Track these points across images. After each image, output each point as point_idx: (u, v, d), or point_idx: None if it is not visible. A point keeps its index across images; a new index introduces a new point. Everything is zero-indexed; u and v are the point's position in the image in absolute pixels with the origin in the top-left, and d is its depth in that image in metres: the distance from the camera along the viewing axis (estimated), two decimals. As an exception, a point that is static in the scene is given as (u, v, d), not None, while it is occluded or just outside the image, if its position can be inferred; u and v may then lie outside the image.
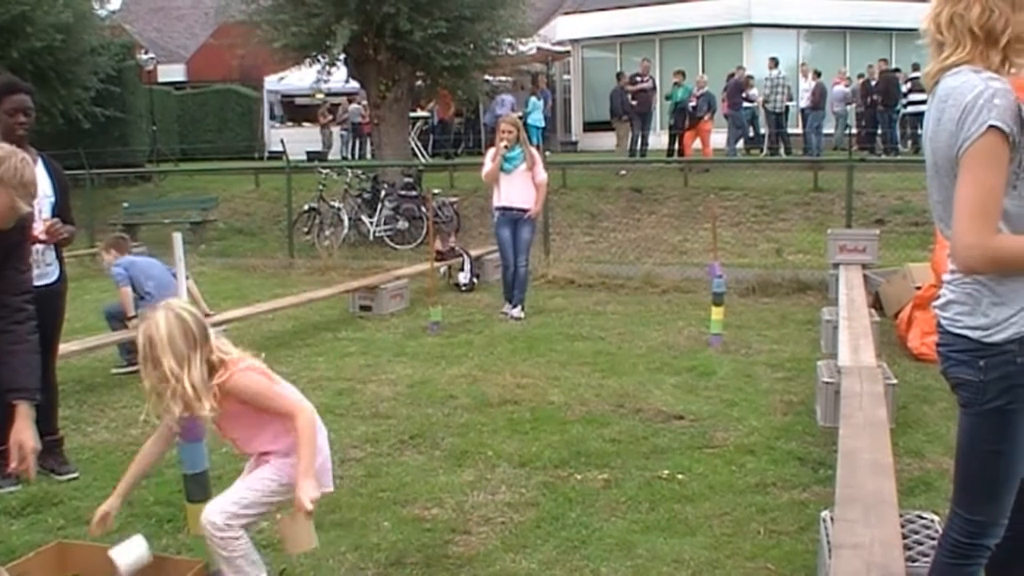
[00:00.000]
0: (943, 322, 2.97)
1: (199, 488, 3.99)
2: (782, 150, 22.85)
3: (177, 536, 4.85)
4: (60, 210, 5.73)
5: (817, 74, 23.22)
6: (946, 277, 2.98)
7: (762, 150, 23.56)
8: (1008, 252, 2.73)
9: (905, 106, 22.83)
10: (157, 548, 4.59)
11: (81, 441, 6.57)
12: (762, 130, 23.81)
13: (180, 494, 4.35)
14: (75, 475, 5.84)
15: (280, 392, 3.83)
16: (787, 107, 22.72)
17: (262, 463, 3.86)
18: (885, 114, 23.05)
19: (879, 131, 23.17)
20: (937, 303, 3.02)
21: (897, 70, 23.52)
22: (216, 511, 3.73)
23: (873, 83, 23.37)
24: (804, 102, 22.85)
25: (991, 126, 2.65)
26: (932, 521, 4.32)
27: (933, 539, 4.14)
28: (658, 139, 24.31)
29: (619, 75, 23.34)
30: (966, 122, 2.69)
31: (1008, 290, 2.80)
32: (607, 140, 24.54)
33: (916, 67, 23.17)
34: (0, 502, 5.46)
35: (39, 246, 5.55)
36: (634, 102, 21.86)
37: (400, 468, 5.86)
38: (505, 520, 5.00)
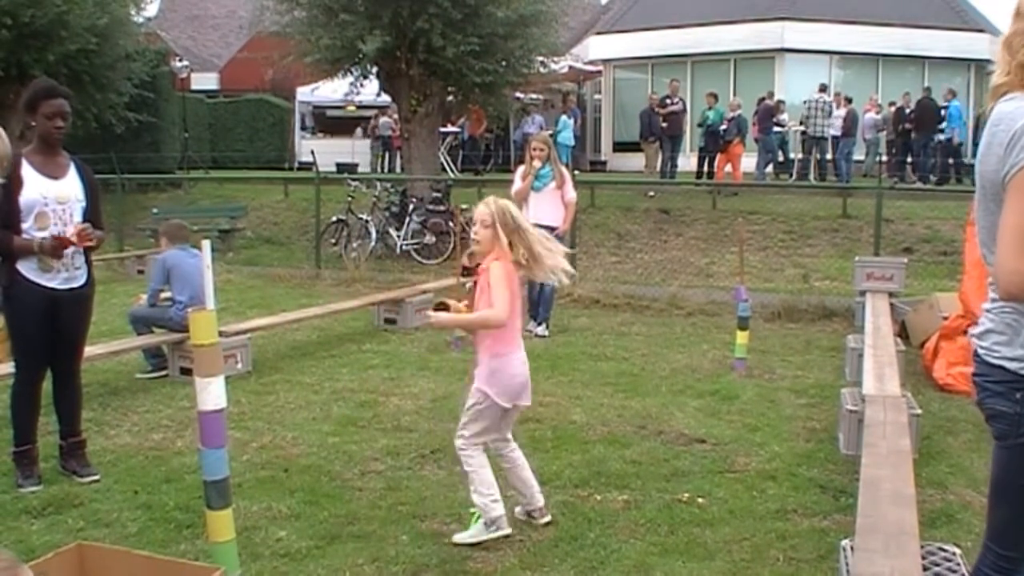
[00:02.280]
0: (980, 351, 2.89)
1: (219, 495, 4.00)
2: (812, 175, 22.80)
3: (196, 542, 4.86)
4: (91, 214, 5.78)
5: (848, 100, 23.18)
6: (986, 305, 2.91)
7: (791, 175, 23.49)
8: None
9: (935, 134, 22.78)
10: (176, 554, 4.64)
11: (103, 444, 6.61)
12: (791, 155, 23.75)
13: (200, 500, 4.37)
14: (96, 477, 5.87)
15: (511, 290, 4.85)
16: (825, 133, 22.67)
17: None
18: (920, 142, 22.99)
19: (909, 159, 23.11)
20: (975, 331, 2.94)
21: (931, 98, 23.40)
22: (457, 437, 5.03)
23: (907, 111, 23.29)
24: (835, 129, 22.80)
25: None
26: (953, 554, 4.28)
27: (954, 572, 4.12)
28: (687, 161, 24.30)
29: (650, 97, 23.31)
30: (1015, 148, 2.64)
31: None
32: (637, 161, 24.53)
33: (953, 93, 23.16)
34: (21, 502, 5.49)
35: (69, 249, 5.60)
36: (664, 124, 21.84)
37: (420, 482, 5.86)
38: (523, 538, 4.99)
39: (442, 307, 4.91)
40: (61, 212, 5.59)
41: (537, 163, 10.34)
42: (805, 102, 22.84)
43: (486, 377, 4.87)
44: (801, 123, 22.80)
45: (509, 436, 5.19)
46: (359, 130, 31.19)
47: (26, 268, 5.54)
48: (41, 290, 5.58)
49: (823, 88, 22.94)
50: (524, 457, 5.23)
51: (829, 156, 23.18)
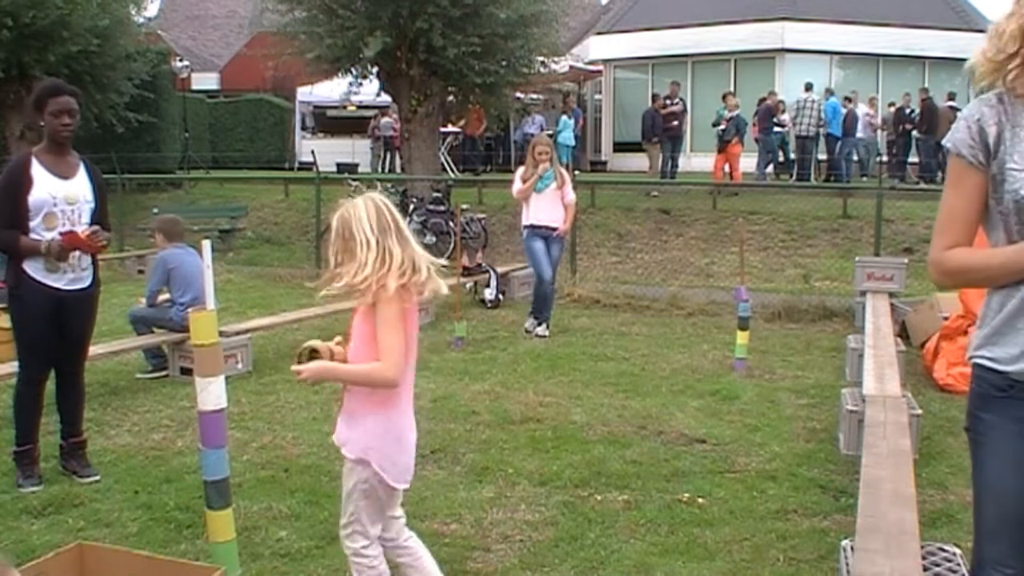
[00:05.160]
0: None
1: (219, 495, 4.00)
2: (811, 175, 22.79)
3: (196, 542, 4.87)
4: (99, 216, 5.78)
5: (848, 100, 23.17)
6: None
7: (792, 175, 23.47)
8: (955, 264, 2.70)
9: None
10: (176, 554, 4.63)
11: (103, 444, 6.61)
12: (792, 155, 23.73)
13: (200, 500, 4.37)
14: (96, 478, 5.88)
15: (398, 337, 3.53)
16: (817, 132, 22.65)
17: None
18: (926, 143, 22.99)
19: (913, 160, 23.11)
20: None
21: (931, 98, 23.37)
22: (345, 536, 3.76)
23: (907, 111, 23.26)
24: (834, 128, 22.78)
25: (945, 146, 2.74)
26: (954, 554, 4.29)
27: (954, 572, 4.12)
28: (688, 161, 24.27)
29: (654, 97, 23.24)
30: None
31: (983, 312, 2.77)
32: (636, 161, 24.49)
33: (951, 96, 23.13)
34: (22, 501, 5.50)
35: (75, 252, 5.60)
36: (669, 125, 21.78)
37: (420, 482, 5.85)
38: (524, 538, 4.99)
39: (313, 355, 3.64)
40: (70, 213, 5.59)
41: (544, 166, 10.32)
42: (796, 102, 22.84)
43: (368, 442, 3.64)
44: (794, 123, 22.76)
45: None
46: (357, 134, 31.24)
47: (32, 268, 5.54)
48: (47, 290, 5.58)
49: (808, 87, 22.92)
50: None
51: (820, 157, 23.16)
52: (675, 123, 21.85)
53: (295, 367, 3.62)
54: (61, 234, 5.49)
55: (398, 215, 3.71)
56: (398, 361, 3.51)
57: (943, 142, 2.73)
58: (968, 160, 2.64)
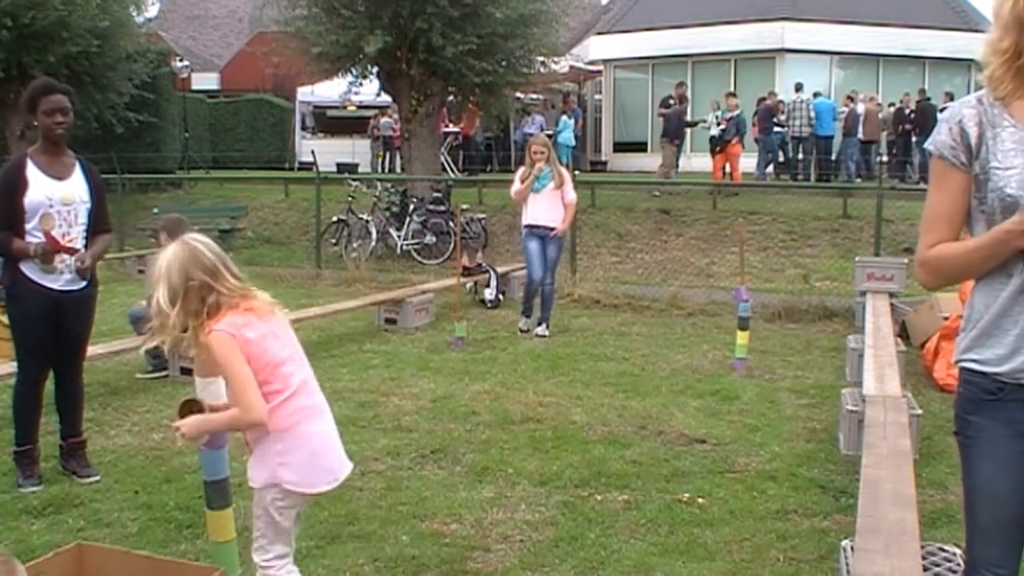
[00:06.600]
0: None
1: (219, 495, 4.00)
2: (811, 175, 22.78)
3: (196, 542, 4.86)
4: (96, 216, 5.77)
5: (849, 99, 23.15)
6: None
7: (792, 176, 23.45)
8: (934, 257, 2.73)
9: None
10: (176, 554, 4.63)
11: (103, 444, 6.61)
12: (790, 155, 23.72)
13: (200, 500, 4.36)
14: (96, 478, 5.88)
15: (240, 376, 3.36)
16: (811, 133, 22.65)
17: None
18: (921, 143, 22.99)
19: (912, 160, 23.10)
20: None
21: (929, 99, 23.40)
22: (253, 550, 3.60)
23: (907, 111, 23.26)
24: (827, 129, 22.77)
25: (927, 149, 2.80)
26: (954, 554, 4.28)
27: (954, 572, 4.12)
28: (688, 161, 24.25)
29: (682, 98, 22.93)
30: None
31: (967, 315, 2.79)
32: (637, 161, 24.46)
33: (950, 96, 23.12)
34: (22, 501, 5.50)
35: (65, 257, 5.59)
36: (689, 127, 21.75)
37: (420, 482, 5.86)
38: (524, 538, 4.99)
39: (191, 406, 3.53)
40: (66, 214, 5.58)
41: (540, 166, 10.33)
42: (788, 104, 22.81)
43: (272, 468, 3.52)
44: (787, 124, 22.71)
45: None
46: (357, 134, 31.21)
47: (28, 269, 5.54)
48: (43, 291, 5.58)
49: (799, 88, 22.91)
50: None
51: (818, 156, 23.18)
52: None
53: (175, 423, 3.46)
54: (46, 235, 5.47)
55: (213, 250, 3.52)
56: (251, 400, 3.35)
57: (926, 144, 2.76)
58: (950, 161, 2.69)
